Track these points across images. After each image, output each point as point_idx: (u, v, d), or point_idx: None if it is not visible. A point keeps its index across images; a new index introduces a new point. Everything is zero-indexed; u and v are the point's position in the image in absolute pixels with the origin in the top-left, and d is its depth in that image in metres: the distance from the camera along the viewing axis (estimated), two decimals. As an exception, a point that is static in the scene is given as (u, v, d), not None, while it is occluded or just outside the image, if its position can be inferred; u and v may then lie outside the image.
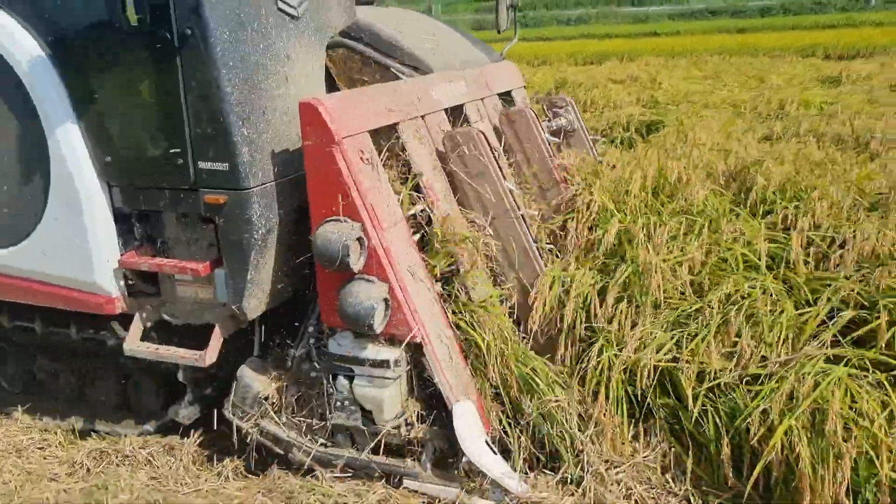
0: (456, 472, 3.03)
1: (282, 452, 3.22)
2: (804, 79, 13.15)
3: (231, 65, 2.89)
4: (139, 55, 2.98)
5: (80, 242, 3.25)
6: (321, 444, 3.18)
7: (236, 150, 2.94)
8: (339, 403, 3.10)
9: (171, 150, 3.04)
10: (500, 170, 3.50)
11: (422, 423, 3.08)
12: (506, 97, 4.59)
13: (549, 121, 4.61)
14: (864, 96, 10.52)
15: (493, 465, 2.94)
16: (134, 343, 3.35)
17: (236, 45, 2.92)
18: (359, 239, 2.87)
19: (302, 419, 3.21)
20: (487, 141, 3.48)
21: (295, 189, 3.17)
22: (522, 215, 3.52)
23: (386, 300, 2.92)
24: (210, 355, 3.21)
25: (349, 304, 2.88)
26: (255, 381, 3.27)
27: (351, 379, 3.07)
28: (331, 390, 3.11)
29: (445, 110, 3.76)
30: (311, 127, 2.91)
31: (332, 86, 3.69)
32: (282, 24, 3.16)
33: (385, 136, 3.32)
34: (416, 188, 3.34)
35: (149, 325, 3.43)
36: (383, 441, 3.10)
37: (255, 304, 3.16)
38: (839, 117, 8.34)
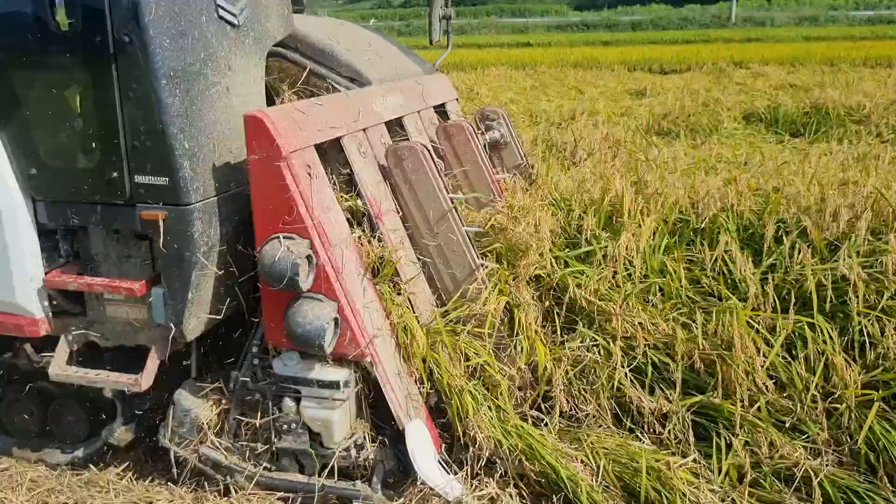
0: (406, 493, 2.98)
1: (223, 479, 3.09)
2: (616, 91, 14.38)
3: (172, 75, 2.76)
4: (70, 62, 2.82)
5: (1, 260, 3.03)
6: (265, 469, 3.06)
7: (177, 164, 2.80)
8: (285, 426, 2.99)
9: (105, 163, 2.87)
10: (444, 185, 3.47)
11: (371, 444, 3.02)
12: (440, 109, 4.57)
13: (483, 133, 4.62)
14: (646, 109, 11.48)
15: (448, 487, 2.90)
16: (60, 367, 3.15)
17: (177, 54, 2.78)
18: (307, 257, 2.78)
19: (245, 444, 3.09)
20: (430, 155, 3.45)
21: (236, 205, 3.06)
22: (466, 232, 3.50)
23: (336, 319, 2.85)
24: (147, 379, 3.05)
25: (298, 325, 2.79)
26: (193, 405, 3.13)
27: (298, 401, 2.98)
28: (276, 413, 3.01)
29: (386, 123, 3.71)
30: (256, 140, 2.80)
31: (268, 98, 3.58)
32: (222, 32, 3.03)
33: (328, 151, 3.24)
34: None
35: (75, 347, 3.23)
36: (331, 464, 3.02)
37: (194, 324, 3.02)
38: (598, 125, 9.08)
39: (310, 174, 2.93)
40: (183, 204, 2.84)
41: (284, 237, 2.82)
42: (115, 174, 2.87)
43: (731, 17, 41.47)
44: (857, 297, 3.46)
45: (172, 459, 3.13)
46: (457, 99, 4.82)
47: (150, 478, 3.32)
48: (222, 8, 3.03)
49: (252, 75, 3.25)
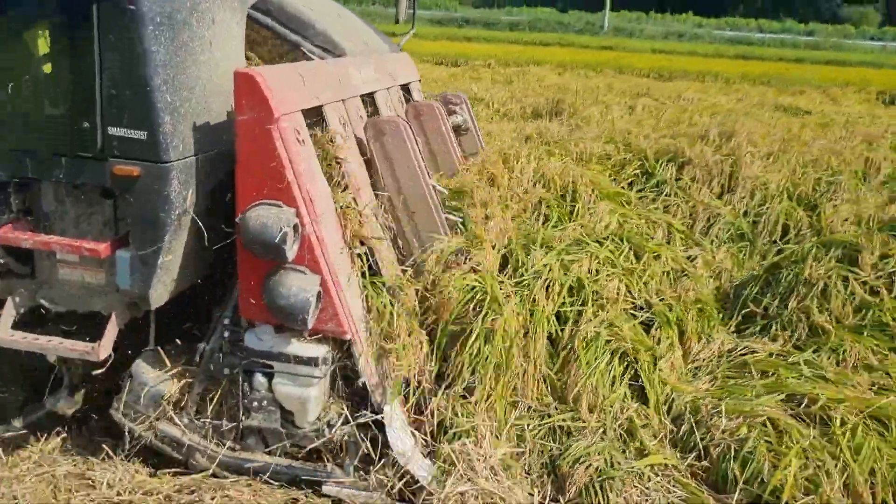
0: (380, 475, 2.88)
1: (181, 458, 2.91)
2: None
3: (158, 21, 2.57)
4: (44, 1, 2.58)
5: (-57, 212, 2.76)
6: (229, 448, 2.90)
7: (157, 118, 2.60)
8: (255, 403, 2.84)
9: (74, 112, 2.65)
10: (423, 164, 3.39)
11: (345, 425, 2.91)
12: (404, 89, 4.48)
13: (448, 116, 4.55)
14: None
15: (427, 470, 2.83)
16: (6, 332, 2.88)
17: (164, 0, 2.59)
18: (294, 226, 2.65)
19: (207, 421, 2.92)
20: (412, 132, 3.36)
21: (213, 167, 2.88)
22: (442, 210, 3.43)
23: (319, 293, 2.72)
24: (105, 348, 2.83)
25: (281, 296, 2.65)
26: (152, 377, 2.93)
27: (270, 377, 2.83)
28: (246, 388, 2.85)
29: (361, 97, 3.59)
30: (246, 100, 2.64)
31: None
32: (208, -18, 2.85)
33: (310, 118, 3.10)
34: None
35: (22, 311, 2.97)
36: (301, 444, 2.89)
37: (160, 291, 2.82)
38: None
39: (299, 140, 2.79)
40: (161, 161, 2.65)
41: (271, 204, 2.67)
42: (85, 124, 2.64)
43: (604, 26, 42.99)
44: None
45: (126, 435, 2.92)
46: (419, 80, 4.73)
47: (96, 454, 3.09)
48: (209, -44, 2.85)
49: (234, 32, 3.07)
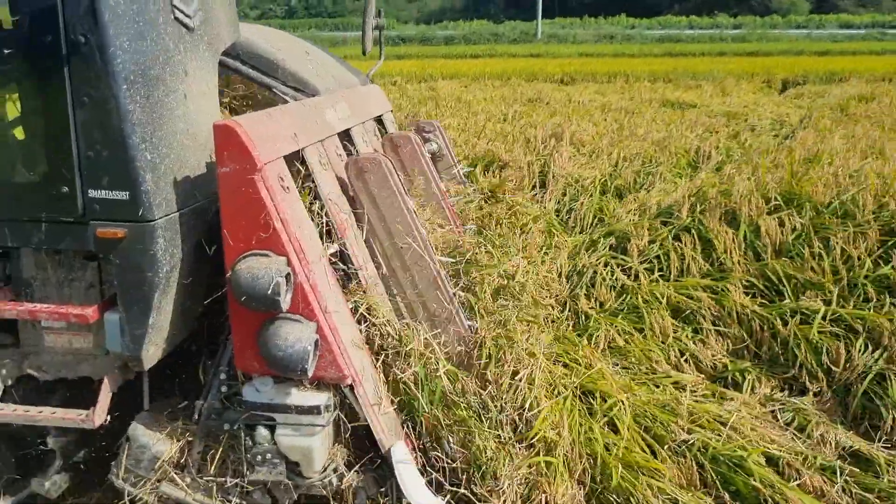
0: (390, 520, 2.85)
1: (186, 519, 2.84)
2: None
3: (132, 79, 2.52)
4: (13, 63, 2.52)
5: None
6: (235, 505, 2.84)
7: (138, 177, 2.56)
8: (259, 457, 2.78)
9: (52, 177, 2.58)
10: (408, 199, 3.37)
11: (352, 471, 2.86)
12: (377, 121, 4.46)
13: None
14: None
15: (435, 508, 2.79)
16: (-6, 406, 2.80)
17: (136, 57, 2.55)
18: (286, 275, 2.61)
19: (210, 479, 2.85)
20: (394, 169, 3.34)
21: (197, 221, 2.84)
22: (429, 244, 3.41)
23: (316, 341, 2.68)
24: (100, 414, 2.76)
25: (278, 348, 2.60)
26: (151, 439, 2.86)
27: (272, 429, 2.78)
28: (248, 443, 2.79)
29: (339, 135, 3.57)
30: (228, 152, 2.60)
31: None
32: (178, 35, 2.81)
33: (290, 163, 3.07)
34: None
35: (9, 382, 2.88)
36: (307, 494, 2.84)
37: (153, 351, 2.77)
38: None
39: (283, 187, 2.75)
40: (145, 220, 2.59)
41: (260, 254, 2.63)
42: (64, 188, 2.59)
43: (537, 34, 43.57)
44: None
45: (127, 500, 2.84)
46: (391, 110, 4.72)
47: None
48: (178, 9, 2.81)
49: (207, 82, 3.03)
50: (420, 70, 21.13)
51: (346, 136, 3.76)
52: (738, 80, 17.99)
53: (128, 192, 2.57)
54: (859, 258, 4.56)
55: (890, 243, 4.65)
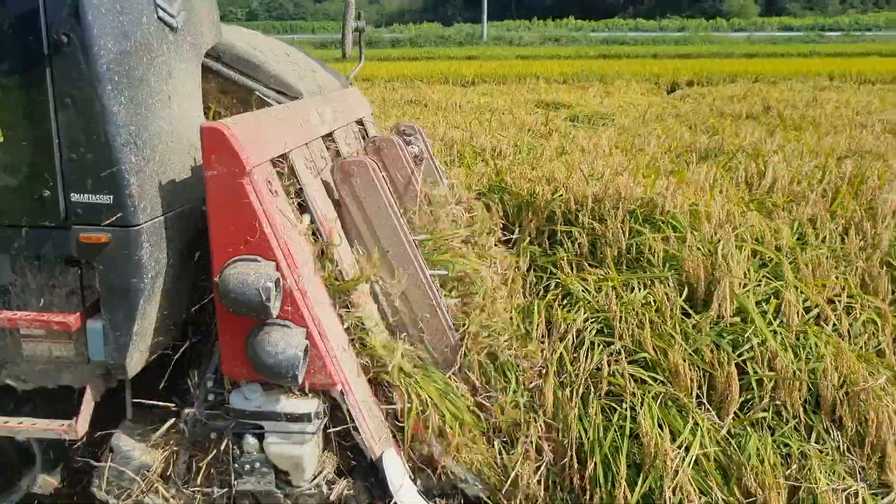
0: (382, 528, 2.81)
1: (172, 530, 2.77)
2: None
3: (116, 80, 2.46)
4: None
5: None
6: (221, 516, 2.78)
7: (123, 180, 2.49)
8: (247, 466, 2.73)
9: (32, 181, 2.51)
10: (394, 202, 3.34)
11: (342, 479, 2.82)
12: (359, 124, 4.42)
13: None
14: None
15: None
16: (-28, 417, 2.71)
17: (121, 57, 2.48)
18: (276, 280, 2.56)
19: (196, 489, 2.79)
20: (379, 171, 3.31)
21: (184, 224, 2.78)
22: (416, 246, 3.37)
23: (306, 347, 2.64)
24: (83, 424, 2.68)
25: (268, 354, 2.55)
26: (135, 449, 2.79)
27: (261, 437, 2.72)
28: (236, 452, 2.74)
29: (322, 137, 3.52)
30: (216, 155, 2.55)
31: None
32: (162, 35, 2.75)
33: (277, 166, 3.02)
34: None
35: (-13, 393, 2.80)
36: None
37: (137, 358, 2.70)
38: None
39: (271, 190, 2.71)
40: (130, 225, 2.53)
41: (249, 259, 2.58)
42: (45, 192, 2.51)
43: (482, 36, 43.87)
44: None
45: (110, 514, 2.77)
46: (371, 113, 4.68)
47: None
48: (161, 8, 2.75)
49: (191, 83, 2.98)
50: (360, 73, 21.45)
51: (329, 139, 3.72)
52: (630, 81, 18.75)
53: (112, 196, 2.50)
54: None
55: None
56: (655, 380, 3.25)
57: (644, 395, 3.14)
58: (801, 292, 3.62)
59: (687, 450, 2.96)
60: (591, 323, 3.55)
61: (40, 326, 2.64)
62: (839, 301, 3.68)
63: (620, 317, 3.47)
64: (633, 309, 3.51)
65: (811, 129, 8.89)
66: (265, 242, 2.61)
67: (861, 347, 3.50)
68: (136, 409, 2.97)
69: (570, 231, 4.30)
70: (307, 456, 2.71)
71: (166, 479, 2.81)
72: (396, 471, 2.77)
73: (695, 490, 2.86)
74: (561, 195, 4.61)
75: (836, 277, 3.83)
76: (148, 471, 2.78)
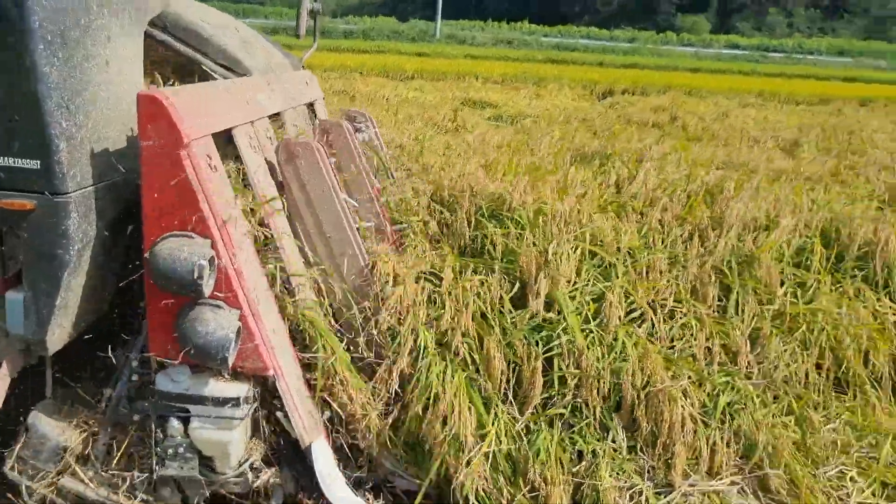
0: (309, 518, 2.73)
1: (87, 515, 2.66)
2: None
3: (49, 39, 2.33)
4: None
5: None
6: (141, 501, 2.67)
7: (53, 145, 2.37)
8: (170, 451, 2.62)
9: None
10: (337, 185, 3.26)
11: (269, 467, 2.74)
12: (309, 107, 4.32)
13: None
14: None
15: (353, 506, 2.69)
16: None
17: (56, 16, 2.35)
18: (210, 259, 2.46)
19: (116, 473, 2.68)
20: (325, 154, 3.23)
21: (113, 196, 2.66)
22: (358, 230, 3.30)
23: (238, 329, 2.55)
24: (-4, 400, 2.55)
25: (197, 334, 2.46)
26: (53, 429, 2.66)
27: (186, 421, 2.62)
28: (159, 435, 2.63)
29: (269, 118, 3.42)
30: (152, 124, 2.44)
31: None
32: (102, -3, 2.63)
33: (219, 142, 2.92)
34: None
35: None
36: (221, 492, 2.70)
37: (59, 334, 2.57)
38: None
39: (211, 166, 2.61)
40: (58, 193, 2.40)
41: (183, 235, 2.48)
42: None
43: (435, 34, 44.07)
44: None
45: (25, 493, 2.64)
46: (323, 98, 4.59)
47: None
48: (102, -31, 2.63)
49: (131, 50, 2.85)
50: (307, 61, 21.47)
51: (277, 120, 3.62)
52: (564, 86, 19.31)
53: (39, 162, 2.38)
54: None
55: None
56: (468, 367, 3.22)
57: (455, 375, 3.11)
58: (629, 294, 3.66)
59: (483, 438, 2.97)
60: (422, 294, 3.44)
61: (-47, 296, 2.50)
62: (664, 305, 3.75)
63: (449, 292, 3.41)
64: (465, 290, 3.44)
65: (706, 140, 9.07)
66: (201, 219, 2.51)
67: (676, 351, 3.57)
68: (57, 387, 2.84)
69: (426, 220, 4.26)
70: (234, 442, 2.62)
71: (84, 461, 2.68)
72: (326, 461, 2.70)
73: (485, 480, 2.90)
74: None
75: (668, 281, 3.89)
76: (65, 452, 2.66)
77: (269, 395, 2.75)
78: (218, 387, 2.61)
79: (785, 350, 3.74)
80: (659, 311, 3.68)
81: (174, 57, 3.43)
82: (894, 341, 4.01)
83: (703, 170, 5.82)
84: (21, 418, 2.76)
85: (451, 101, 13.82)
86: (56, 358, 2.78)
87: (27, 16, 2.27)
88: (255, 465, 2.71)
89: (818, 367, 3.82)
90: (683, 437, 3.13)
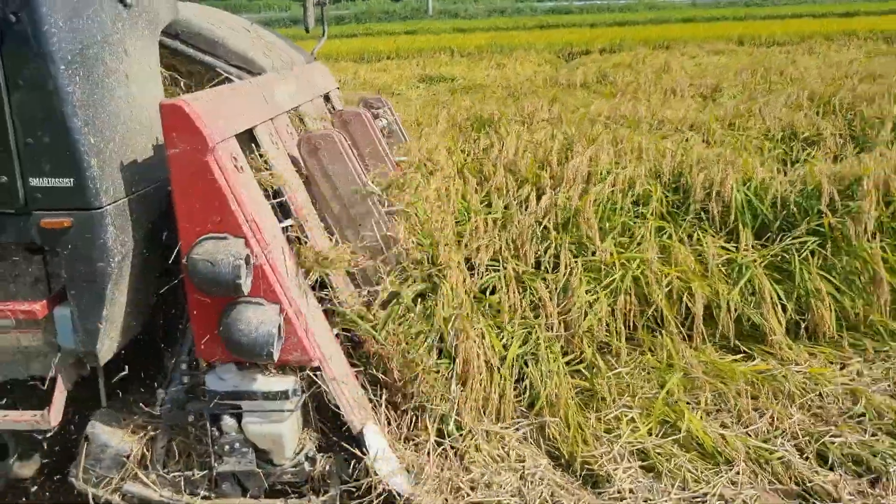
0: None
1: (154, 516, 2.74)
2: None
3: (70, 59, 2.38)
4: None
5: None
6: (203, 498, 2.75)
7: (83, 162, 2.42)
8: (226, 447, 2.70)
9: None
10: (364, 173, 3.29)
11: (323, 455, 2.80)
12: (325, 98, 4.35)
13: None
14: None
15: (407, 488, 2.75)
16: (-59, 413, 2.65)
17: (73, 36, 2.41)
18: (245, 257, 2.51)
19: (177, 473, 2.76)
20: (347, 143, 3.26)
21: (148, 205, 2.72)
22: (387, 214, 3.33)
23: (280, 324, 2.60)
24: (56, 414, 2.63)
25: (241, 333, 2.51)
26: (111, 436, 2.75)
27: (239, 417, 2.69)
28: (215, 433, 2.70)
29: (288, 113, 3.46)
30: (177, 132, 2.49)
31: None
32: (115, 12, 2.67)
33: (242, 142, 2.96)
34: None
35: (-45, 387, 2.73)
36: (279, 482, 2.77)
37: (108, 345, 2.65)
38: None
39: (237, 167, 2.65)
40: (93, 208, 2.47)
41: (217, 237, 2.53)
42: (3, 178, 2.44)
43: (428, 10, 43.51)
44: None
45: (91, 502, 2.73)
46: (338, 87, 4.61)
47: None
48: (113, -16, 2.67)
49: (148, 61, 2.90)
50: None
51: (296, 114, 3.66)
52: (530, 52, 18.44)
53: (72, 179, 2.44)
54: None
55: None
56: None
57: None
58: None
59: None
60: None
61: (6, 316, 2.57)
62: (481, 262, 3.94)
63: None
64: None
65: (629, 95, 8.70)
66: (233, 219, 2.56)
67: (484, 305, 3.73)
68: (111, 396, 2.93)
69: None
70: (286, 434, 2.68)
71: (145, 465, 2.77)
72: (378, 444, 2.76)
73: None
74: None
75: (491, 240, 4.05)
76: (126, 457, 2.74)
77: (316, 385, 2.81)
78: (266, 381, 2.67)
79: (592, 301, 3.80)
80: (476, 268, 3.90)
81: (188, 63, 3.47)
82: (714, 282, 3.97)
83: (573, 128, 5.76)
84: (79, 428, 2.85)
85: (407, 79, 13.72)
86: (107, 367, 2.86)
87: (45, 38, 2.32)
88: (310, 455, 2.77)
89: (625, 314, 3.88)
90: (480, 383, 3.26)
